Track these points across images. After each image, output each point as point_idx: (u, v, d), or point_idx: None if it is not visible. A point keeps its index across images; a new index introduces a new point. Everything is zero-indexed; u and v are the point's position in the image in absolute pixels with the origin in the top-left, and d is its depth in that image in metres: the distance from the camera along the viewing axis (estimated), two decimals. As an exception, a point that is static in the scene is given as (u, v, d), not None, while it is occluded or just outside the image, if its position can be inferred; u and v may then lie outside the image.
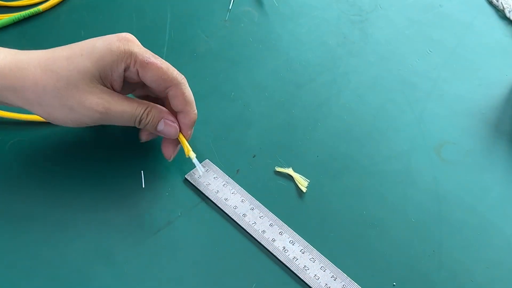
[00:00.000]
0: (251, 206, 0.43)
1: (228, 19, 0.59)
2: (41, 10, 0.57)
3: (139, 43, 0.42)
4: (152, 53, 0.42)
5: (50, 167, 0.45)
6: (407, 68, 0.55)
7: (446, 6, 0.61)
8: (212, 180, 0.45)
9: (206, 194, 0.44)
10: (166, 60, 0.43)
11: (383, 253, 0.41)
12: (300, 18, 0.59)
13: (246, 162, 0.47)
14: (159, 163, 0.46)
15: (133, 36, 0.43)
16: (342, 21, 0.59)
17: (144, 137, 0.46)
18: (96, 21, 0.58)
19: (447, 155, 0.48)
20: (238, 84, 0.53)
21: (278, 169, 0.46)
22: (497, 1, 0.61)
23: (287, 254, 0.41)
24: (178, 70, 0.43)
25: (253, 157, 0.47)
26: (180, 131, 0.44)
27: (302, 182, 0.45)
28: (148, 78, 0.41)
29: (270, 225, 0.42)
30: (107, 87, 0.41)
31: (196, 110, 0.44)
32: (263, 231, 0.42)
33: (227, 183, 0.45)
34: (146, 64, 0.41)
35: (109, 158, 0.46)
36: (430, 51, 0.56)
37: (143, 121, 0.42)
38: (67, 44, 0.53)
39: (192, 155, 0.44)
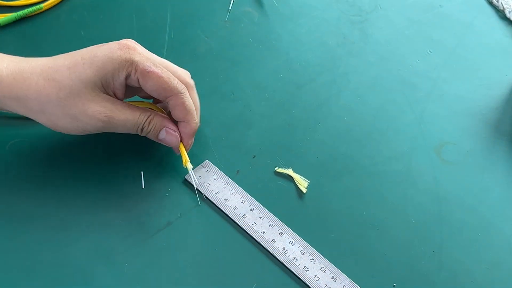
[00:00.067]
0: (251, 206, 0.43)
1: (228, 20, 0.59)
2: (42, 7, 0.57)
3: (141, 50, 0.42)
4: (153, 61, 0.42)
5: (50, 168, 0.45)
6: (407, 68, 0.55)
7: (446, 6, 0.61)
8: (212, 181, 0.45)
9: (206, 195, 0.44)
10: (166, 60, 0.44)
11: (383, 253, 0.41)
12: (300, 18, 0.59)
13: (246, 163, 0.46)
14: (159, 164, 0.46)
15: (134, 43, 0.42)
16: (342, 22, 0.59)
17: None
18: (96, 21, 0.58)
19: (447, 156, 0.48)
20: (238, 85, 0.53)
21: (278, 169, 0.46)
22: (497, 2, 0.60)
23: (287, 255, 0.41)
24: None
25: (253, 157, 0.47)
26: (180, 140, 0.44)
27: (302, 183, 0.45)
28: (148, 87, 0.41)
29: (270, 225, 0.42)
30: (110, 95, 0.42)
31: (197, 119, 0.44)
32: (263, 232, 0.42)
33: (227, 183, 0.45)
34: (146, 73, 0.41)
35: (109, 159, 0.46)
36: (430, 51, 0.56)
37: (145, 129, 0.43)
38: (67, 44, 0.54)
39: (189, 166, 0.44)
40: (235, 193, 0.44)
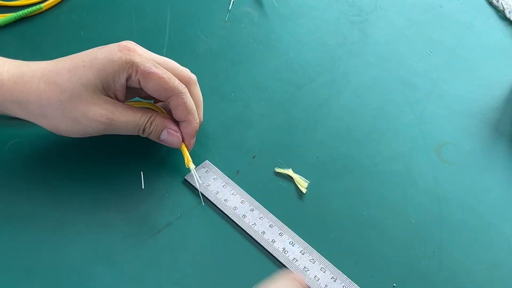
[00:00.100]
0: (251, 207, 0.43)
1: (228, 20, 0.59)
2: (42, 7, 0.57)
3: (141, 51, 0.42)
4: (154, 60, 0.42)
5: (50, 168, 0.45)
6: (407, 68, 0.55)
7: (446, 6, 0.61)
8: (212, 181, 0.45)
9: (205, 195, 0.44)
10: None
11: (383, 254, 0.41)
12: (299, 18, 0.59)
13: (246, 163, 0.46)
14: (158, 164, 0.46)
15: (134, 44, 0.42)
16: (342, 22, 0.59)
17: None
18: (96, 22, 0.58)
19: (447, 156, 0.48)
20: (238, 85, 0.52)
21: (278, 170, 0.46)
22: (497, 2, 0.60)
23: (287, 255, 0.41)
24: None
25: (253, 158, 0.47)
26: (182, 140, 0.44)
27: (302, 183, 0.45)
28: (149, 88, 0.42)
29: (270, 226, 0.42)
30: (111, 97, 0.42)
31: (198, 119, 0.44)
32: (263, 232, 0.42)
33: (227, 184, 0.45)
34: (147, 74, 0.41)
35: (109, 159, 0.46)
36: (430, 51, 0.56)
37: (146, 130, 0.43)
38: (66, 44, 0.54)
39: (192, 166, 0.44)
40: (235, 193, 0.44)
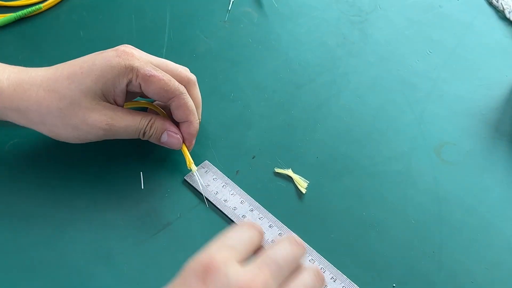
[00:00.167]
0: (251, 207, 0.43)
1: (228, 20, 0.59)
2: (42, 7, 0.57)
3: (139, 54, 0.42)
4: (152, 63, 0.42)
5: (49, 168, 0.45)
6: (407, 68, 0.55)
7: (446, 6, 0.61)
8: (212, 181, 0.45)
9: (205, 195, 0.44)
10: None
11: (383, 254, 0.41)
12: (299, 18, 0.59)
13: (246, 163, 0.46)
14: (158, 164, 0.46)
15: (131, 48, 0.43)
16: (342, 22, 0.59)
17: None
18: (96, 22, 0.58)
19: (447, 156, 0.48)
20: (237, 85, 0.52)
21: (278, 170, 0.46)
22: (497, 2, 0.60)
23: (286, 255, 0.41)
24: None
25: (253, 158, 0.47)
26: (183, 141, 0.44)
27: (302, 183, 0.45)
28: (150, 91, 0.42)
29: (270, 226, 0.42)
30: (110, 102, 0.42)
31: (198, 120, 0.44)
32: (263, 232, 0.42)
33: (227, 184, 0.45)
34: (148, 78, 0.41)
35: (109, 159, 0.46)
36: (430, 51, 0.56)
37: (146, 133, 0.43)
38: (66, 44, 0.53)
39: (194, 168, 0.44)
40: (235, 193, 0.44)
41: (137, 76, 0.41)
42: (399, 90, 0.53)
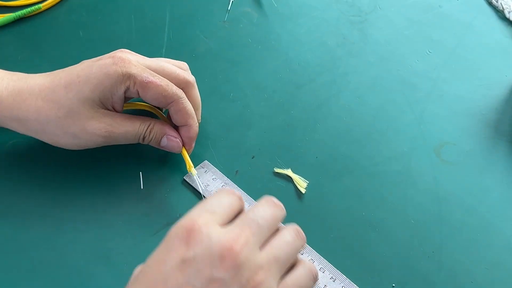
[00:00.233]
0: (250, 207, 0.43)
1: (227, 20, 0.59)
2: (41, 7, 0.57)
3: (135, 60, 0.42)
4: (149, 67, 0.42)
5: (49, 168, 0.45)
6: (406, 68, 0.55)
7: (445, 6, 0.61)
8: (211, 181, 0.45)
9: (205, 196, 0.44)
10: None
11: (382, 254, 0.41)
12: (299, 18, 0.59)
13: (245, 163, 0.46)
14: (157, 164, 0.46)
15: (127, 53, 0.43)
16: (342, 22, 0.59)
17: None
18: (95, 22, 0.58)
19: (447, 156, 0.48)
20: (237, 85, 0.52)
21: (277, 170, 0.46)
22: (497, 2, 0.60)
23: (286, 255, 0.40)
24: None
25: (252, 158, 0.47)
26: (183, 145, 0.44)
27: (301, 183, 0.45)
28: (149, 97, 0.42)
29: (270, 226, 0.42)
30: (108, 109, 0.42)
31: (197, 123, 0.44)
32: (262, 232, 0.42)
33: (226, 184, 0.45)
34: (145, 84, 0.41)
35: (108, 160, 0.46)
36: (429, 51, 0.56)
37: (146, 138, 0.43)
38: (66, 44, 0.53)
39: (194, 172, 0.44)
40: (234, 193, 0.44)
41: (134, 83, 0.41)
42: (399, 90, 0.53)
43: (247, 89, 0.52)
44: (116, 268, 0.40)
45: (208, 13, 0.59)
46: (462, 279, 0.40)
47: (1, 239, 0.41)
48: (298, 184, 0.45)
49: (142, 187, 0.44)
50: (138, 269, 0.32)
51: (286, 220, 0.42)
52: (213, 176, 0.45)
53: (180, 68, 0.45)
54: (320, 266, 0.40)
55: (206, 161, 0.46)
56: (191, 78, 0.45)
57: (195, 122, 0.44)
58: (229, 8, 0.60)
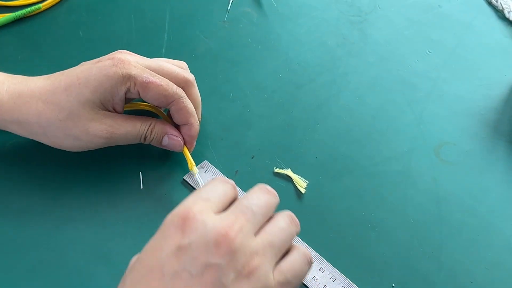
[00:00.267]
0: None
1: (227, 20, 0.59)
2: (41, 7, 0.57)
3: (135, 61, 0.42)
4: (148, 67, 0.42)
5: (49, 168, 0.45)
6: (406, 68, 0.55)
7: (445, 6, 0.61)
8: (211, 181, 0.45)
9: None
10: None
11: (382, 254, 0.41)
12: (299, 18, 0.59)
13: (245, 163, 0.46)
14: (157, 164, 0.46)
15: (126, 53, 0.43)
16: (341, 22, 0.59)
17: None
18: (95, 22, 0.58)
19: (447, 156, 0.48)
20: (237, 85, 0.52)
21: (277, 170, 0.46)
22: (497, 2, 0.60)
23: (286, 255, 0.40)
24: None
25: (252, 158, 0.47)
26: (184, 144, 0.44)
27: (301, 183, 0.45)
28: (149, 97, 0.42)
29: (269, 226, 0.42)
30: (109, 111, 0.42)
31: (198, 121, 0.45)
32: (262, 232, 0.42)
33: (226, 184, 0.45)
34: (146, 85, 0.41)
35: (108, 159, 0.46)
36: (429, 51, 0.56)
37: (147, 138, 0.44)
38: (65, 44, 0.53)
39: (195, 171, 0.44)
40: (234, 193, 0.44)
41: (135, 84, 0.41)
42: (399, 90, 0.53)
43: (247, 89, 0.52)
44: (116, 268, 0.40)
45: (208, 13, 0.59)
46: (462, 279, 0.40)
47: (1, 239, 0.41)
48: (298, 184, 0.45)
49: (142, 187, 0.44)
50: (134, 258, 0.32)
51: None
52: (213, 176, 0.45)
53: (179, 67, 0.45)
54: (320, 266, 0.40)
55: (206, 161, 0.46)
56: (191, 76, 0.45)
57: (196, 121, 0.44)
58: (229, 8, 0.60)
